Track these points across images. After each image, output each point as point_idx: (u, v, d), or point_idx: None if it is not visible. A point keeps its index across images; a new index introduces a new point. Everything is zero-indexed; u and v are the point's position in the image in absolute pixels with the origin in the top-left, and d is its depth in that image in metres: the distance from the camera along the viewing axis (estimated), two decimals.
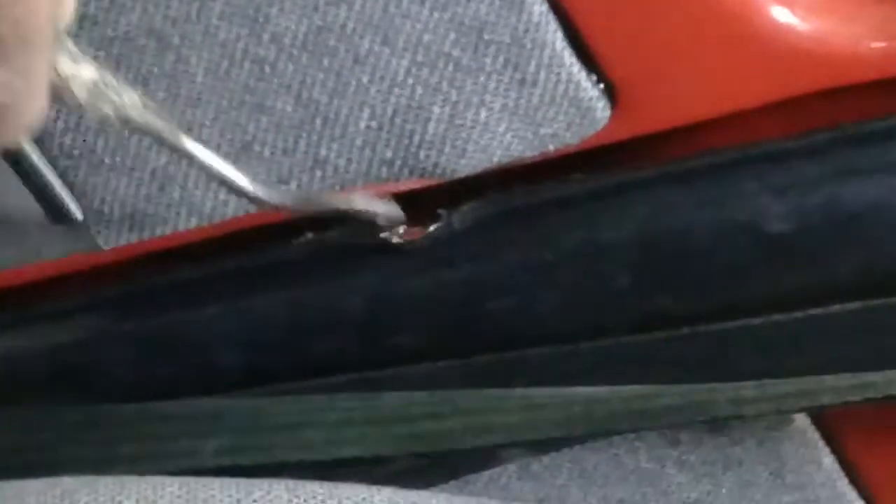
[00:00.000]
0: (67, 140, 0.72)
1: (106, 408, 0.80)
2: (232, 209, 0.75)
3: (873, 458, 0.85)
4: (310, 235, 0.77)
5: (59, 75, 0.56)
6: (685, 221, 0.74)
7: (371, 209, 0.73)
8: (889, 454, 0.84)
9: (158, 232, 0.76)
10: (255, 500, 0.64)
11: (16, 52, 0.50)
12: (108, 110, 0.60)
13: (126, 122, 0.61)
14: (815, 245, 0.72)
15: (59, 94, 0.57)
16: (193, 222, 0.75)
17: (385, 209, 0.74)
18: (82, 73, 0.59)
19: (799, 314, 0.73)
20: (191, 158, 0.67)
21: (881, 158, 0.71)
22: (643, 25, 0.70)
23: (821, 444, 0.85)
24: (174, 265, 0.79)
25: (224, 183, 0.69)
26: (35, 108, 0.53)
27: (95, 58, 0.65)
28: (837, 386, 0.73)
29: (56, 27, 0.53)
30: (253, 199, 0.70)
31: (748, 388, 0.73)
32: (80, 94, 0.58)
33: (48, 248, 0.77)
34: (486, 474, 0.83)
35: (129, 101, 0.61)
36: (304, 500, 0.64)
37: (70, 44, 0.58)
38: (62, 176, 0.72)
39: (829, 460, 0.86)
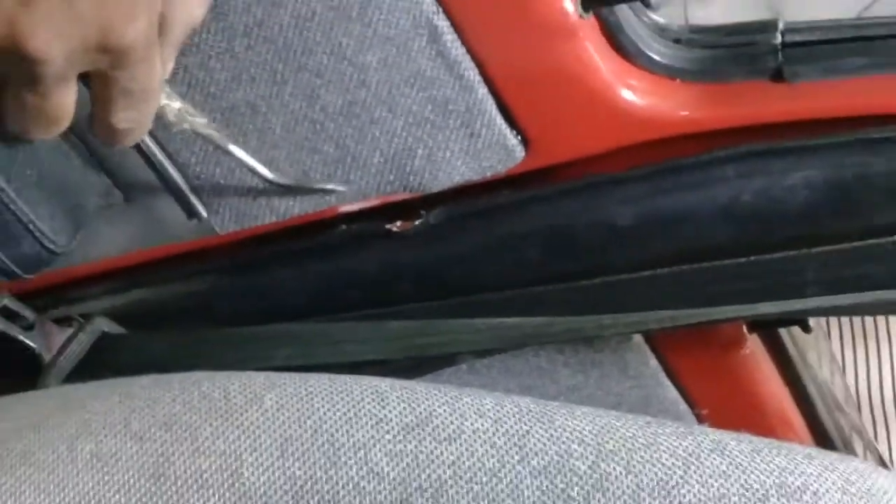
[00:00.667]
0: (198, 170, 0.73)
1: (217, 331, 0.81)
2: (297, 210, 0.75)
3: (680, 359, 0.85)
4: (343, 227, 0.77)
5: (160, 106, 0.59)
6: (570, 219, 0.75)
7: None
8: (690, 356, 0.85)
9: (251, 223, 0.76)
10: (309, 385, 0.65)
11: (139, 100, 0.52)
12: (186, 126, 0.63)
13: (197, 133, 0.65)
14: (646, 234, 0.73)
15: (158, 115, 0.60)
16: (273, 218, 0.76)
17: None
18: (172, 103, 0.62)
19: (636, 274, 0.74)
20: (233, 156, 0.69)
21: (686, 183, 0.72)
22: (545, 103, 0.71)
23: (649, 351, 0.85)
24: (261, 243, 0.79)
25: (252, 170, 0.71)
26: (146, 128, 0.57)
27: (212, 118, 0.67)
28: (659, 318, 0.74)
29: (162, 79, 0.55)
30: (267, 179, 0.72)
31: (607, 319, 0.74)
32: (170, 116, 0.62)
33: (185, 233, 0.78)
34: (448, 370, 0.83)
35: (199, 121, 0.64)
36: (339, 385, 0.65)
37: (166, 86, 0.60)
38: (195, 191, 0.73)
39: (654, 361, 0.86)
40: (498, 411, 0.65)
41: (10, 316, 0.78)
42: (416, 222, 0.76)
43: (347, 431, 0.63)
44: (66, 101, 0.51)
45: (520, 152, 0.74)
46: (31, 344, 0.78)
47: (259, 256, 0.80)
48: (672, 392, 0.88)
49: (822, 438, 0.93)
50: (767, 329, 0.83)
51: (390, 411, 0.64)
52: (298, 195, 0.75)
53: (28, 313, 0.79)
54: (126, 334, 0.82)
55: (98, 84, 0.52)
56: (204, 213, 0.75)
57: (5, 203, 0.66)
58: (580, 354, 0.86)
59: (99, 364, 0.79)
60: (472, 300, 0.77)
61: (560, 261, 0.76)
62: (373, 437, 0.62)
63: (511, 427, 0.64)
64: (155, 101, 0.55)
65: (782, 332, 0.85)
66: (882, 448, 1.11)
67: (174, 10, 0.52)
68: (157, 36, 0.51)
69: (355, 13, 0.66)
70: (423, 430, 0.63)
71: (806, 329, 0.82)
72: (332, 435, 0.63)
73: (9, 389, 0.73)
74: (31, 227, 0.67)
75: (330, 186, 0.74)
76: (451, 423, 0.63)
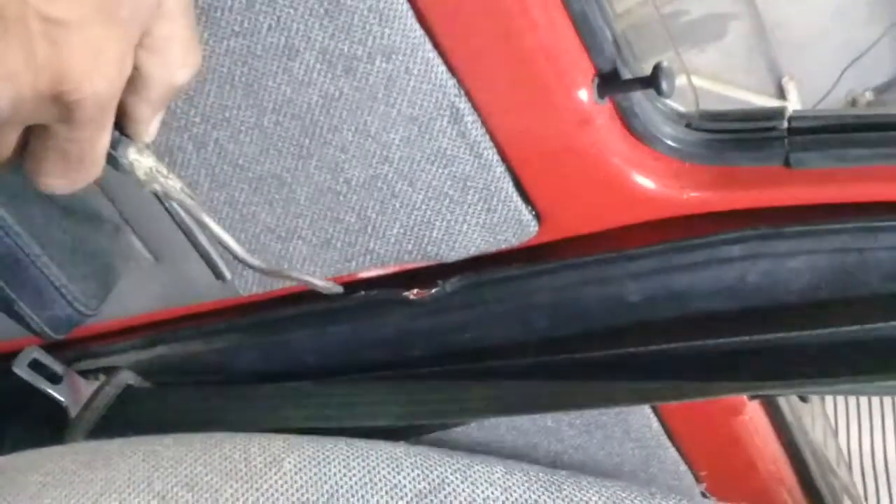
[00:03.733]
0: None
1: (238, 388, 0.81)
2: (316, 276, 0.74)
3: (682, 422, 0.85)
4: (362, 292, 0.77)
5: (129, 161, 0.52)
6: (579, 292, 0.74)
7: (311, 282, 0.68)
8: (691, 421, 0.85)
9: (274, 286, 0.77)
10: (326, 449, 0.65)
11: (73, 167, 0.47)
12: (157, 187, 0.55)
13: (167, 196, 0.56)
14: (653, 309, 0.73)
15: (128, 171, 0.53)
16: (294, 282, 0.74)
17: (322, 284, 0.68)
18: (144, 160, 0.53)
19: (643, 348, 0.73)
20: (204, 226, 0.59)
21: (693, 261, 0.71)
22: (559, 181, 0.71)
23: (652, 415, 0.86)
24: (281, 305, 0.80)
25: (223, 244, 0.61)
26: (72, 191, 0.49)
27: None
28: (665, 392, 0.73)
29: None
30: (240, 259, 0.62)
31: (616, 391, 0.72)
32: (140, 174, 0.53)
33: (210, 293, 0.78)
34: (458, 428, 0.84)
35: (172, 184, 0.55)
36: (356, 450, 0.65)
37: (142, 144, 0.53)
38: (222, 255, 0.71)
39: (656, 424, 0.86)
40: (507, 480, 0.65)
41: (39, 368, 0.78)
42: (433, 290, 0.76)
43: (363, 497, 0.63)
44: (7, 144, 0.46)
45: (533, 227, 0.74)
46: (59, 397, 0.78)
47: (280, 317, 0.80)
48: (673, 454, 0.88)
49: (815, 500, 0.93)
50: (767, 397, 0.83)
51: (404, 478, 0.64)
52: (271, 277, 0.73)
53: (56, 366, 0.79)
54: (150, 388, 0.82)
55: (36, 138, 0.46)
56: (229, 276, 0.74)
57: (39, 268, 0.66)
58: (585, 416, 0.86)
59: (123, 416, 0.79)
60: (484, 367, 0.77)
61: (569, 331, 0.76)
62: (387, 503, 0.63)
63: (520, 496, 0.64)
64: (92, 173, 0.49)
65: (780, 399, 0.85)
66: None
67: (152, 68, 0.47)
68: (119, 96, 0.46)
69: (381, 94, 0.66)
70: (435, 497, 0.63)
71: (803, 399, 0.82)
72: (348, 500, 0.63)
73: (36, 440, 0.73)
74: (63, 290, 0.67)
75: (307, 278, 0.68)
76: (463, 490, 0.64)
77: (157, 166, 0.55)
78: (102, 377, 0.80)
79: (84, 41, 0.42)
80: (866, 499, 1.06)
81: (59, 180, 0.48)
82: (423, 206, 0.72)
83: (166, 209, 0.69)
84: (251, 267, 0.63)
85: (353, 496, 0.63)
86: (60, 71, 0.42)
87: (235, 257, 0.62)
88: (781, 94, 2.63)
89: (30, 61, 0.41)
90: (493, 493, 0.64)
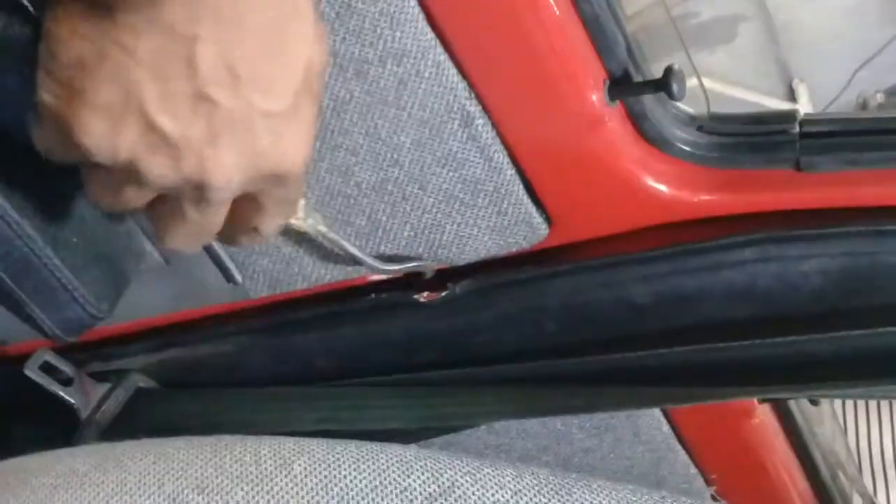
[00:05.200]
0: None
1: (248, 390, 0.81)
2: (328, 278, 0.75)
3: (692, 426, 0.85)
4: (372, 295, 0.77)
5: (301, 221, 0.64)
6: (589, 295, 0.74)
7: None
8: (702, 424, 0.85)
9: (284, 289, 0.76)
10: (337, 452, 0.65)
11: (286, 208, 0.53)
12: (311, 220, 0.67)
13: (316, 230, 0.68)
14: (663, 312, 0.72)
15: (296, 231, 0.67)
16: (305, 285, 0.76)
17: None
18: (309, 221, 0.66)
19: (653, 351, 0.73)
20: (348, 252, 0.71)
21: (704, 264, 0.71)
22: (570, 185, 0.71)
23: (662, 418, 0.86)
24: (292, 308, 0.79)
25: (361, 263, 0.72)
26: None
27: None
28: (676, 395, 0.73)
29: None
30: (374, 270, 0.73)
31: (625, 394, 0.73)
32: (309, 230, 0.66)
33: (221, 297, 0.78)
34: (467, 430, 0.84)
35: (322, 229, 0.68)
36: (366, 452, 0.65)
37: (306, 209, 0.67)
38: (233, 258, 0.73)
39: (666, 428, 0.86)
40: (517, 483, 0.64)
41: (50, 370, 0.78)
42: (443, 293, 0.76)
43: (373, 500, 0.63)
44: (221, 218, 0.50)
45: (544, 230, 0.74)
46: (70, 399, 0.78)
47: (290, 320, 0.80)
48: (683, 456, 0.88)
49: (825, 502, 0.93)
50: (777, 401, 0.83)
51: (414, 480, 0.64)
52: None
53: (68, 368, 0.79)
54: (161, 391, 0.82)
55: (260, 198, 0.50)
56: (240, 279, 0.74)
57: (51, 270, 0.66)
58: (595, 419, 0.86)
59: (134, 419, 0.79)
60: (494, 370, 0.76)
61: (579, 335, 0.75)
62: None
63: (530, 499, 0.63)
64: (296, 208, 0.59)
65: (791, 402, 0.85)
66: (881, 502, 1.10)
67: None
68: None
69: (391, 97, 0.66)
70: (445, 499, 0.63)
71: (814, 402, 0.82)
72: (359, 503, 0.63)
73: (46, 442, 0.73)
74: (75, 293, 0.67)
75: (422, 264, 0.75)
76: (473, 493, 0.63)
77: (317, 222, 0.70)
78: (113, 379, 0.80)
79: (297, 123, 0.47)
80: (875, 493, 1.05)
81: (276, 220, 0.53)
82: (434, 209, 0.72)
83: None
84: (377, 270, 0.74)
85: (363, 499, 0.63)
86: (280, 154, 0.47)
87: (367, 267, 0.74)
88: (792, 96, 2.62)
89: (255, 154, 0.46)
90: (503, 496, 0.63)
